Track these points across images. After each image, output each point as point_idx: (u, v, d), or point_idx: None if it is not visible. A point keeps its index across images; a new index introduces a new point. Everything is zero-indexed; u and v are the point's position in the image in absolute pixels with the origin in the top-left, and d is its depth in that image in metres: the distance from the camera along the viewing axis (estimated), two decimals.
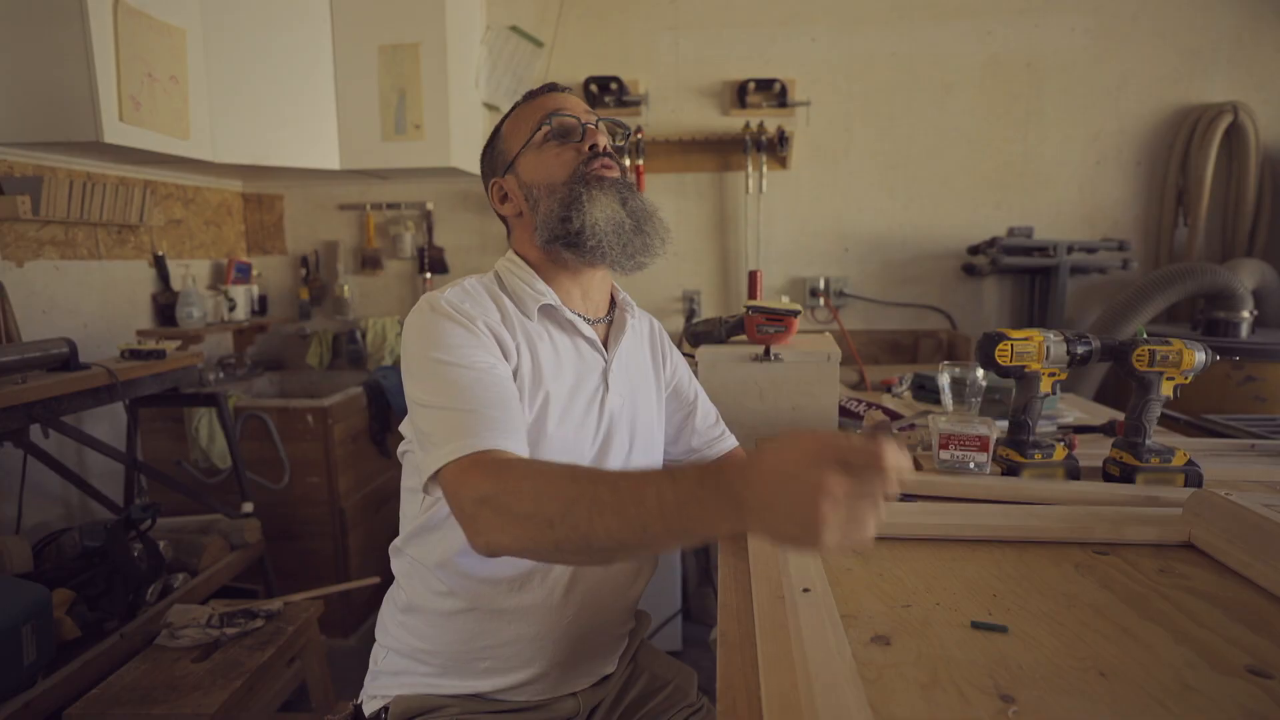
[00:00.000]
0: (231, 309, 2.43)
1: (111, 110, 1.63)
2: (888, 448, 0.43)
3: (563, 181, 0.84)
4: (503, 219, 0.93)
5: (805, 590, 0.57)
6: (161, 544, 1.61)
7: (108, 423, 2.02)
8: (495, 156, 0.91)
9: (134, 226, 2.11)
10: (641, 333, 1.00)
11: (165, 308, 2.22)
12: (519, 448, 0.69)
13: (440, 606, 0.84)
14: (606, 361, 0.88)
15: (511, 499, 0.59)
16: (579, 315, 0.88)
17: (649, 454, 0.95)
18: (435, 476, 0.67)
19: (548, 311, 0.85)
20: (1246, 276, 2.09)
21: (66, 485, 1.82)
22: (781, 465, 0.45)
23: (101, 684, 1.27)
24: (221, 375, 2.42)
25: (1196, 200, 2.30)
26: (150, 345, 1.73)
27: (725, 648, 0.61)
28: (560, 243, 0.84)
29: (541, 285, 0.85)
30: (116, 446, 1.82)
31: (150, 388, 1.71)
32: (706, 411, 1.06)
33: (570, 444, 0.83)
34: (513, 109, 0.92)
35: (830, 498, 0.43)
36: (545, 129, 0.85)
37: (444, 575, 0.83)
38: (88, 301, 1.98)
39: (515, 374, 0.78)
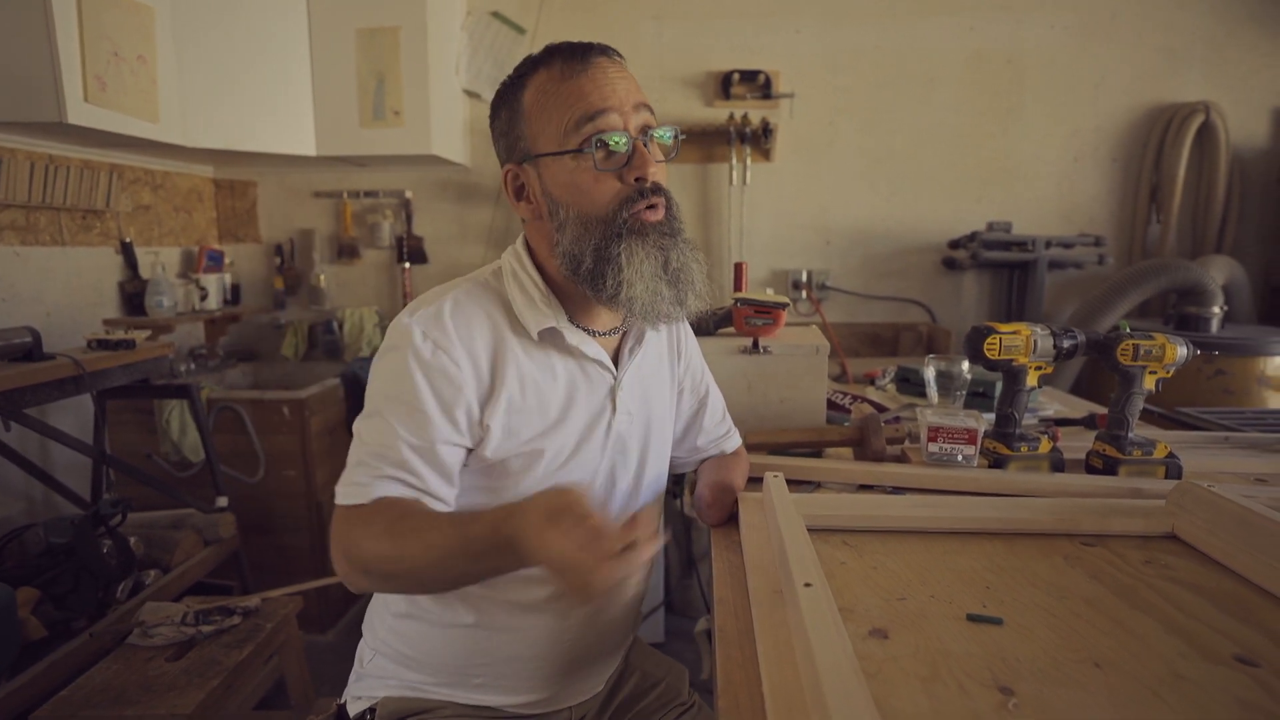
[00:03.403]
0: (203, 298, 2.36)
1: (75, 90, 1.57)
2: (640, 551, 0.54)
3: (599, 219, 0.72)
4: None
5: (807, 585, 0.56)
6: (132, 540, 1.57)
7: (74, 415, 1.95)
8: (513, 137, 0.76)
9: (100, 212, 2.04)
10: (659, 332, 0.91)
11: (133, 296, 2.15)
12: (416, 495, 0.71)
13: (443, 618, 0.80)
14: (615, 379, 0.81)
15: (359, 554, 0.68)
16: (588, 330, 0.79)
17: (658, 466, 0.90)
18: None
19: (550, 335, 0.77)
20: (1217, 272, 2.14)
21: (30, 480, 1.76)
22: (557, 558, 0.53)
23: (70, 685, 1.24)
24: (193, 366, 2.36)
25: (1169, 197, 2.35)
26: (119, 335, 1.67)
27: (724, 644, 0.61)
28: (585, 285, 0.74)
29: (547, 306, 0.77)
30: (83, 439, 1.77)
31: (119, 379, 1.66)
32: (715, 408, 1.00)
33: (574, 471, 0.79)
34: (538, 66, 0.73)
35: (595, 588, 0.53)
36: (585, 154, 0.71)
37: (454, 594, 0.79)
38: (51, 289, 1.91)
39: (493, 402, 0.73)
